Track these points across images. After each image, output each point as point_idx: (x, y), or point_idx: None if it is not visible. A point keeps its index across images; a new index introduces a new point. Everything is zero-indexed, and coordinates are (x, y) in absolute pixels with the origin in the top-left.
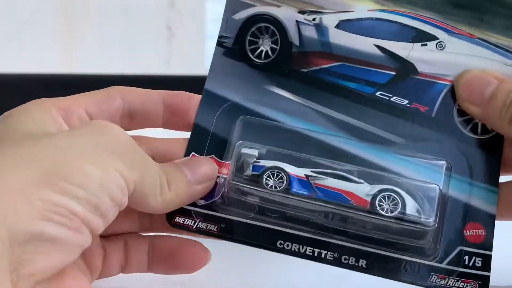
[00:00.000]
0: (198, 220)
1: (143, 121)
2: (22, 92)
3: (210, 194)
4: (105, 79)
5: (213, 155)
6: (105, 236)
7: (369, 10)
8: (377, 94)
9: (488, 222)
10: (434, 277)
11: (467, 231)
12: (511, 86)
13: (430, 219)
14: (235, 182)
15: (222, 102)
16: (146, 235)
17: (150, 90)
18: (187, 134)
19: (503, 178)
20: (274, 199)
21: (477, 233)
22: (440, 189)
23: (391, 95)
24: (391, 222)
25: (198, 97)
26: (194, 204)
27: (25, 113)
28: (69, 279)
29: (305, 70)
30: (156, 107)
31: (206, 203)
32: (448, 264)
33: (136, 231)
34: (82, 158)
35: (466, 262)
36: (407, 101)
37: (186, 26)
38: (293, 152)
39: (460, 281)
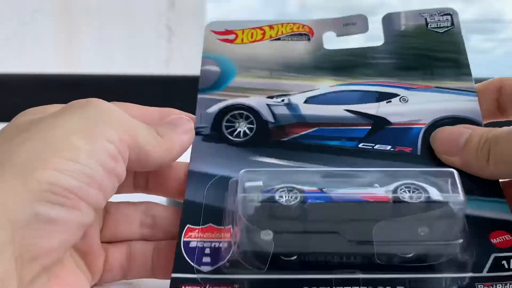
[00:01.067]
0: (208, 285)
1: None
2: (22, 92)
3: (215, 259)
4: (105, 79)
5: (210, 224)
6: (109, 242)
7: (330, 86)
8: (360, 146)
9: (511, 227)
10: (480, 287)
11: (494, 239)
12: (483, 131)
13: (459, 195)
14: (247, 215)
15: (209, 178)
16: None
17: (149, 107)
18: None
19: None
20: (290, 217)
21: (504, 239)
22: (457, 172)
23: (373, 144)
24: (420, 208)
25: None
26: (198, 271)
27: (31, 112)
28: (66, 272)
29: (285, 139)
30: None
31: (212, 268)
32: (489, 271)
33: (138, 239)
34: (71, 132)
35: (506, 266)
36: (390, 146)
37: (186, 26)
38: (300, 171)
39: (508, 284)
